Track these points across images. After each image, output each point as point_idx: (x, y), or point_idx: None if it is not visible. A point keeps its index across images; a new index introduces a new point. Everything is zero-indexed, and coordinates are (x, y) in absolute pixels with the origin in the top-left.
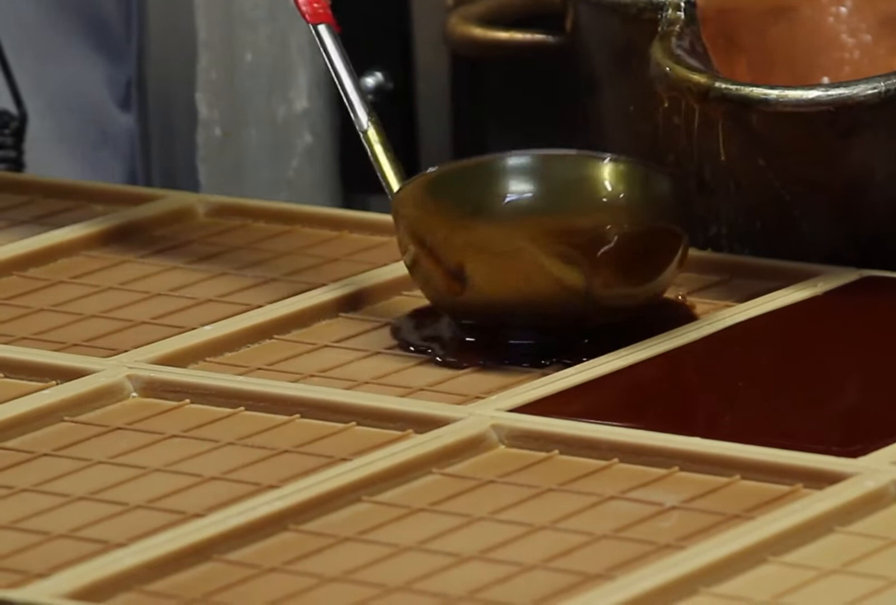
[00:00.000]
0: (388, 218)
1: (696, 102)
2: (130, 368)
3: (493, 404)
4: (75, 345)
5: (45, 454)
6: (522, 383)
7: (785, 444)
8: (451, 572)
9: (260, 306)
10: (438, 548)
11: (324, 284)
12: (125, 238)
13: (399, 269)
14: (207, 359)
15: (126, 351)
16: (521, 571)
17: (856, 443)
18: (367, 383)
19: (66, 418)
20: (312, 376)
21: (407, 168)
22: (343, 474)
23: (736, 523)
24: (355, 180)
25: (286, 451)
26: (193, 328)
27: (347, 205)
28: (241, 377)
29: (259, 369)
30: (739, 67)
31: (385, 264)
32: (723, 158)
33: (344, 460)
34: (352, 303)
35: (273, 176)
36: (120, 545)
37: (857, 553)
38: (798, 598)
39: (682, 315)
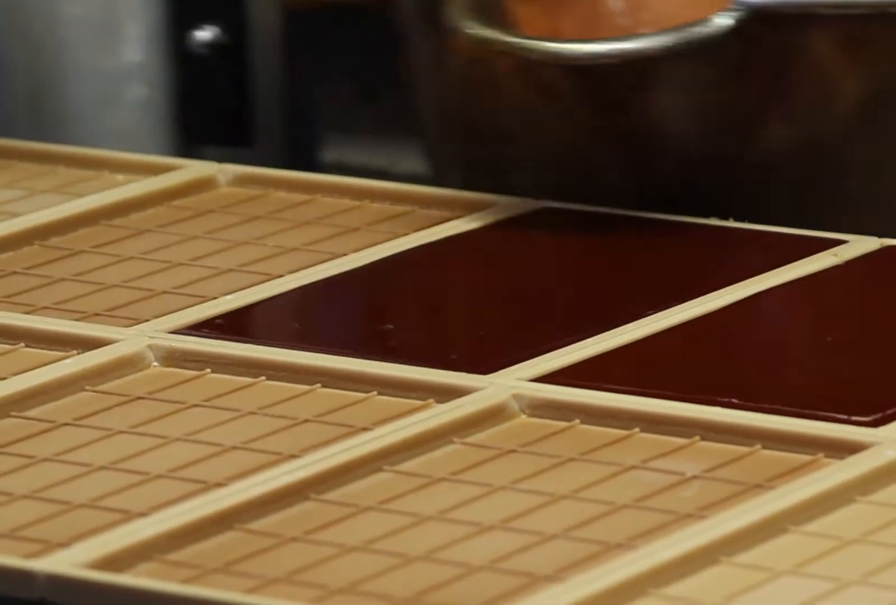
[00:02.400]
0: (408, 188)
1: (489, 56)
2: (151, 337)
3: (514, 374)
4: (96, 314)
5: (66, 424)
6: (543, 352)
7: (806, 413)
8: (472, 541)
9: (281, 276)
10: (459, 517)
11: (345, 254)
12: (146, 208)
13: (420, 239)
14: None
15: (147, 321)
16: (542, 540)
17: (877, 413)
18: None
19: (87, 387)
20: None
21: (241, 121)
22: (364, 444)
23: (757, 492)
24: (193, 132)
25: (307, 420)
26: (214, 298)
27: (186, 156)
28: (262, 347)
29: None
30: (567, 23)
31: (406, 234)
32: (521, 109)
33: (365, 429)
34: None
35: (102, 127)
36: (141, 515)
37: (878, 523)
38: (819, 567)
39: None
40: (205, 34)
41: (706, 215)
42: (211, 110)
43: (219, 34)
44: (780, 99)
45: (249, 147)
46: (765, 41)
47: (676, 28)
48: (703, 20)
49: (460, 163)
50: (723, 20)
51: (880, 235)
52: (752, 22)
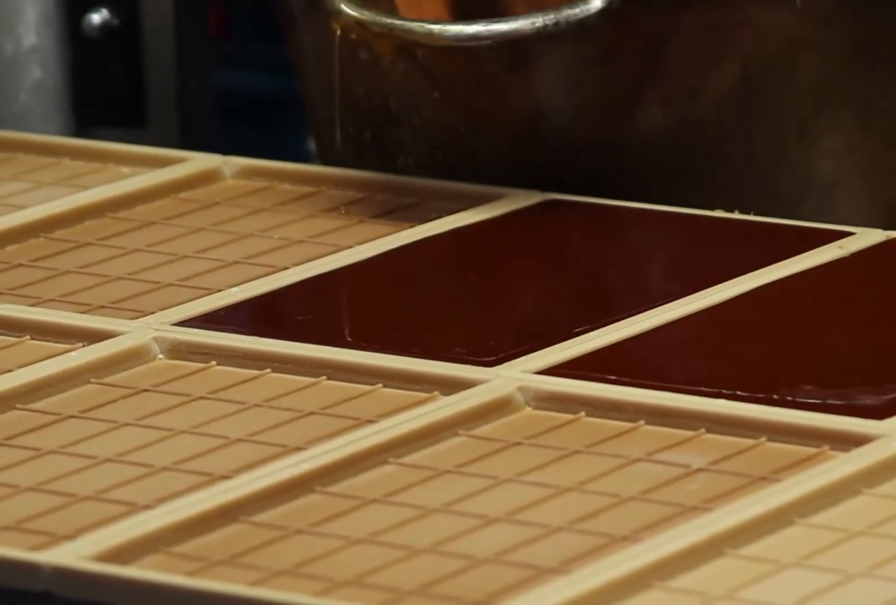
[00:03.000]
0: (413, 181)
1: (367, 37)
2: (157, 330)
3: (519, 366)
4: (102, 307)
5: (72, 416)
6: (549, 345)
7: (811, 406)
8: (478, 534)
9: (286, 268)
10: (465, 510)
11: (350, 247)
12: (151, 200)
13: (425, 231)
14: None
15: (152, 313)
16: (548, 533)
17: (882, 405)
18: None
19: (92, 380)
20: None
21: (133, 105)
22: (369, 436)
23: (762, 485)
24: (87, 113)
25: (312, 413)
26: (220, 290)
27: (79, 137)
28: (267, 339)
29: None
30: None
31: (411, 226)
32: (403, 91)
33: (370, 421)
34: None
35: (1, 110)
36: (146, 507)
37: (884, 515)
38: (825, 560)
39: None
40: (98, 17)
41: (587, 195)
42: (104, 92)
43: (111, 17)
44: (655, 81)
45: (142, 128)
46: (638, 24)
47: (549, 10)
48: (576, 2)
49: (347, 144)
50: (595, 2)
51: (755, 214)
52: (625, 4)
